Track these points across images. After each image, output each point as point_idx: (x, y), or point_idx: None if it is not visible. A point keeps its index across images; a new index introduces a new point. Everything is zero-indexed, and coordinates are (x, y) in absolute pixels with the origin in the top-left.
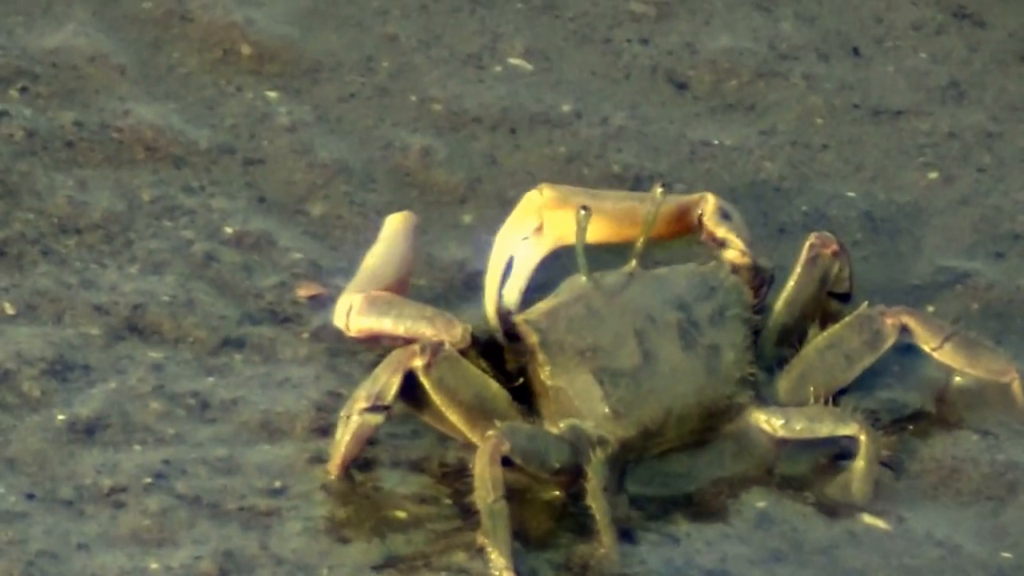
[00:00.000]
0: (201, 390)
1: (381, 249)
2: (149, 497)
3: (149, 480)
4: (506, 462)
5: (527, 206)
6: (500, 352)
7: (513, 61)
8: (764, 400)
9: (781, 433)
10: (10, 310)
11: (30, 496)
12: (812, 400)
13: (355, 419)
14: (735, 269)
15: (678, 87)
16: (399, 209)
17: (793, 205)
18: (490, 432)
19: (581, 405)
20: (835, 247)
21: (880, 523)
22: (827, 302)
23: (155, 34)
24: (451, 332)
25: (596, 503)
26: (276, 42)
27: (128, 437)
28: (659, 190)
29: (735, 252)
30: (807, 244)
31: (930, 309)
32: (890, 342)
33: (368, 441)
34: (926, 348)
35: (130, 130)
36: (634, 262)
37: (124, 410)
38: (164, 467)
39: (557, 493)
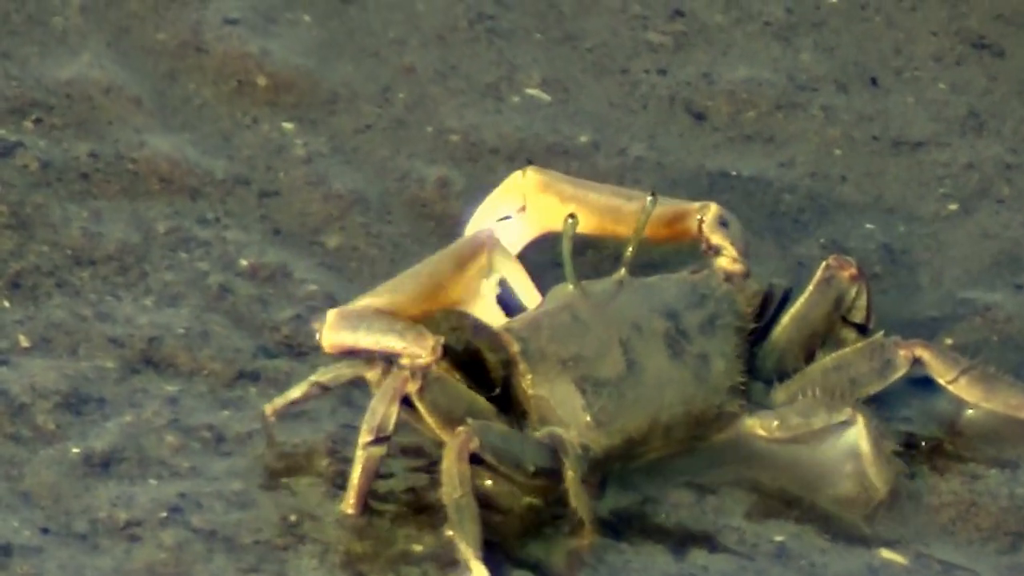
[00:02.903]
0: (216, 423)
1: (433, 259)
2: (164, 531)
3: (164, 514)
4: (479, 461)
5: (509, 186)
6: (476, 361)
7: (530, 92)
8: (756, 408)
9: (778, 434)
10: (25, 342)
11: (45, 530)
12: (796, 390)
13: (360, 454)
14: (728, 277)
15: (696, 118)
16: (415, 242)
17: (812, 237)
18: (460, 428)
19: (563, 414)
20: (853, 271)
21: (898, 557)
22: (843, 331)
23: (170, 65)
24: (423, 345)
25: (580, 503)
26: (292, 73)
27: (143, 471)
28: (649, 198)
29: (727, 259)
30: (823, 264)
31: (948, 341)
32: (900, 372)
33: (379, 474)
34: (941, 381)
35: (145, 161)
36: (624, 270)
37: (139, 443)
38: (179, 501)
39: (536, 501)
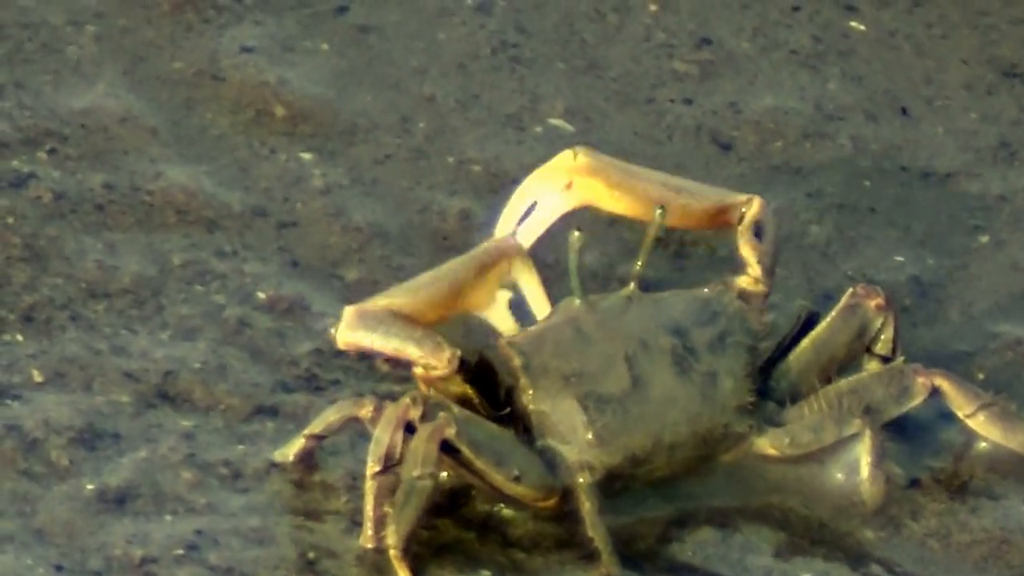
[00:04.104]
0: (233, 459)
1: (455, 263)
2: (181, 568)
3: (181, 551)
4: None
5: (559, 165)
6: (489, 377)
7: (553, 122)
8: (766, 427)
9: (789, 452)
10: (38, 377)
11: (59, 568)
12: (807, 411)
13: (370, 484)
14: (742, 295)
15: (722, 148)
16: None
17: (839, 270)
18: (443, 412)
19: (564, 430)
20: (880, 301)
21: None
22: (869, 362)
23: (186, 95)
24: (439, 356)
25: (597, 532)
26: (310, 102)
27: (159, 507)
28: (659, 211)
29: (749, 279)
30: (849, 291)
31: (980, 376)
32: (917, 400)
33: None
34: (959, 414)
35: (161, 193)
36: (632, 285)
37: (155, 479)
38: (196, 538)
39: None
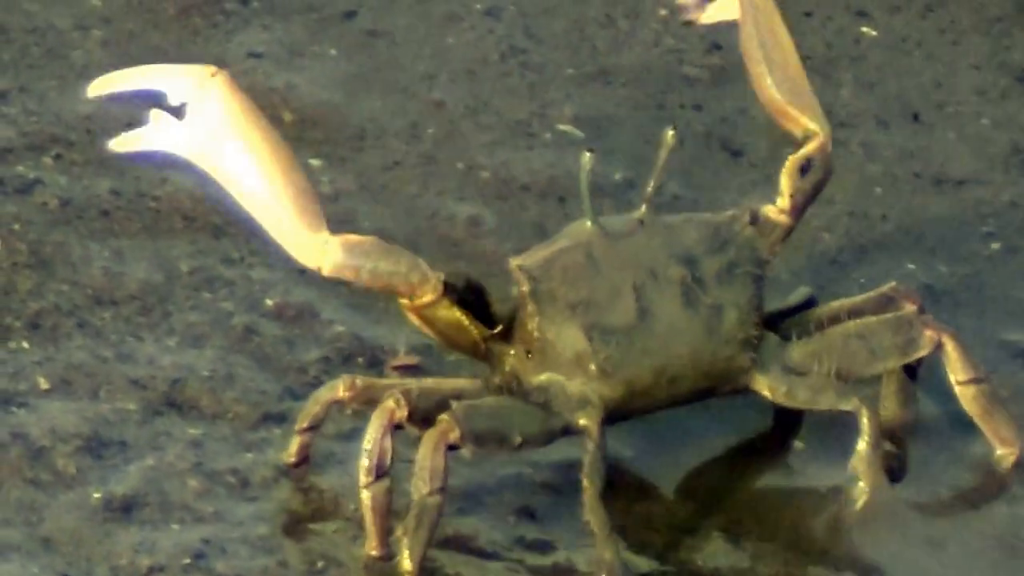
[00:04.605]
0: (241, 467)
1: (280, 165)
2: None
3: (188, 560)
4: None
5: None
6: (480, 298)
7: (563, 128)
8: (768, 364)
9: (782, 401)
10: (44, 384)
11: None
12: (813, 361)
13: (364, 494)
14: (761, 222)
15: (733, 154)
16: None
17: (851, 278)
18: (443, 416)
19: (567, 361)
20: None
21: None
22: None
23: None
24: (424, 284)
25: (595, 516)
26: (319, 108)
27: (166, 515)
28: (671, 133)
29: (775, 210)
30: (889, 285)
31: None
32: (922, 352)
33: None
34: (952, 378)
35: (168, 199)
36: (644, 208)
37: (162, 488)
38: (203, 546)
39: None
